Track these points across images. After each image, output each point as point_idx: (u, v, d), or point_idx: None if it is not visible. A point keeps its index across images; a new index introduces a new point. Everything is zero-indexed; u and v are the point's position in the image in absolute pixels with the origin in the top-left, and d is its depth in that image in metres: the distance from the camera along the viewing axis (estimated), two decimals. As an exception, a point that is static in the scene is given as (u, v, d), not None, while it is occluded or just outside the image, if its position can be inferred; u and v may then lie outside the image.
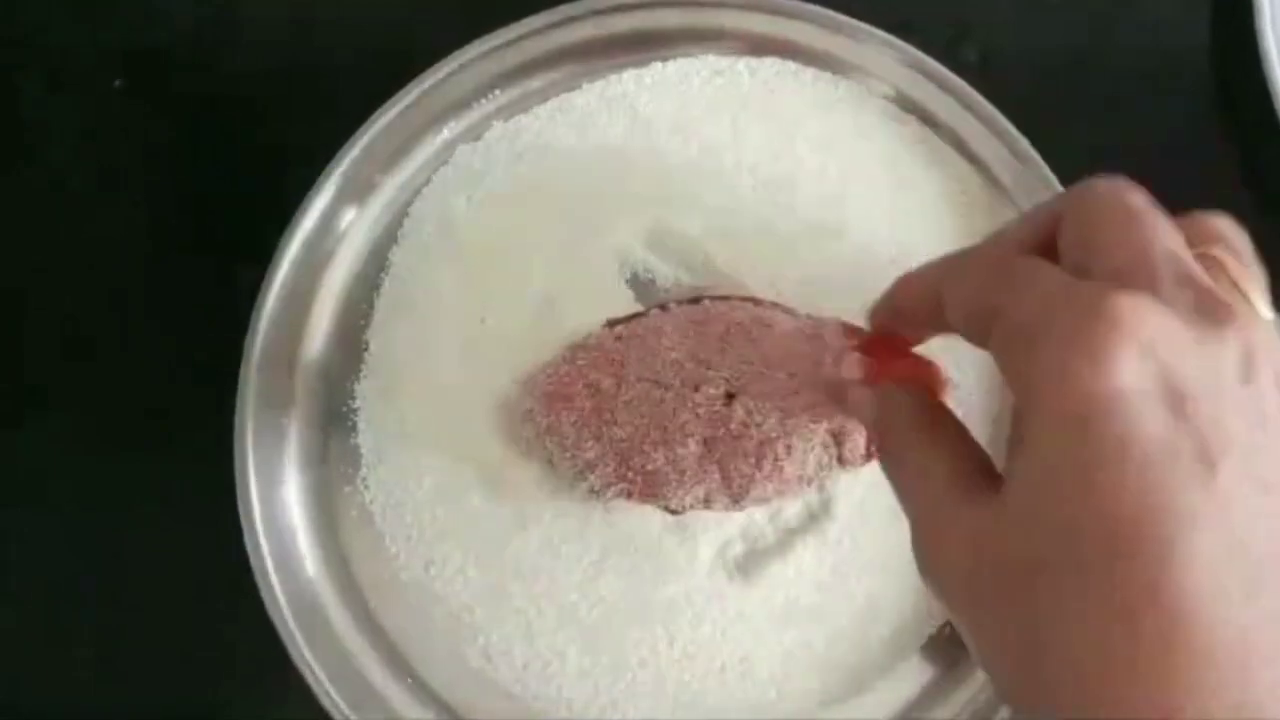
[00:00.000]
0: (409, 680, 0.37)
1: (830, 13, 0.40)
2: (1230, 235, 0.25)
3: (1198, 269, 0.23)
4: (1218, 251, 0.24)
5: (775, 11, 0.40)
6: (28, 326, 0.41)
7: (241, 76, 0.42)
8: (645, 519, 0.37)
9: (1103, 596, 0.20)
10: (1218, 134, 0.42)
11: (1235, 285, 0.24)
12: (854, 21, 0.40)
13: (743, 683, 0.37)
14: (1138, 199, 0.24)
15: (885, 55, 0.40)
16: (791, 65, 0.41)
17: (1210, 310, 0.22)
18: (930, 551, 0.24)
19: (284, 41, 0.43)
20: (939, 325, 0.26)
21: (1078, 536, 0.20)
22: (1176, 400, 0.21)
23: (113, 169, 0.42)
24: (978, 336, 0.24)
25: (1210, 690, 0.19)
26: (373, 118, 0.39)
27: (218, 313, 0.38)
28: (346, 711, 0.35)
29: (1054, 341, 0.21)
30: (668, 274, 0.39)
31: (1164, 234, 0.24)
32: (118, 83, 0.42)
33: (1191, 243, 0.24)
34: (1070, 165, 0.38)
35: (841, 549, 0.37)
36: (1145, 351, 0.21)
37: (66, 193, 0.42)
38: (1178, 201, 0.44)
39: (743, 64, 0.41)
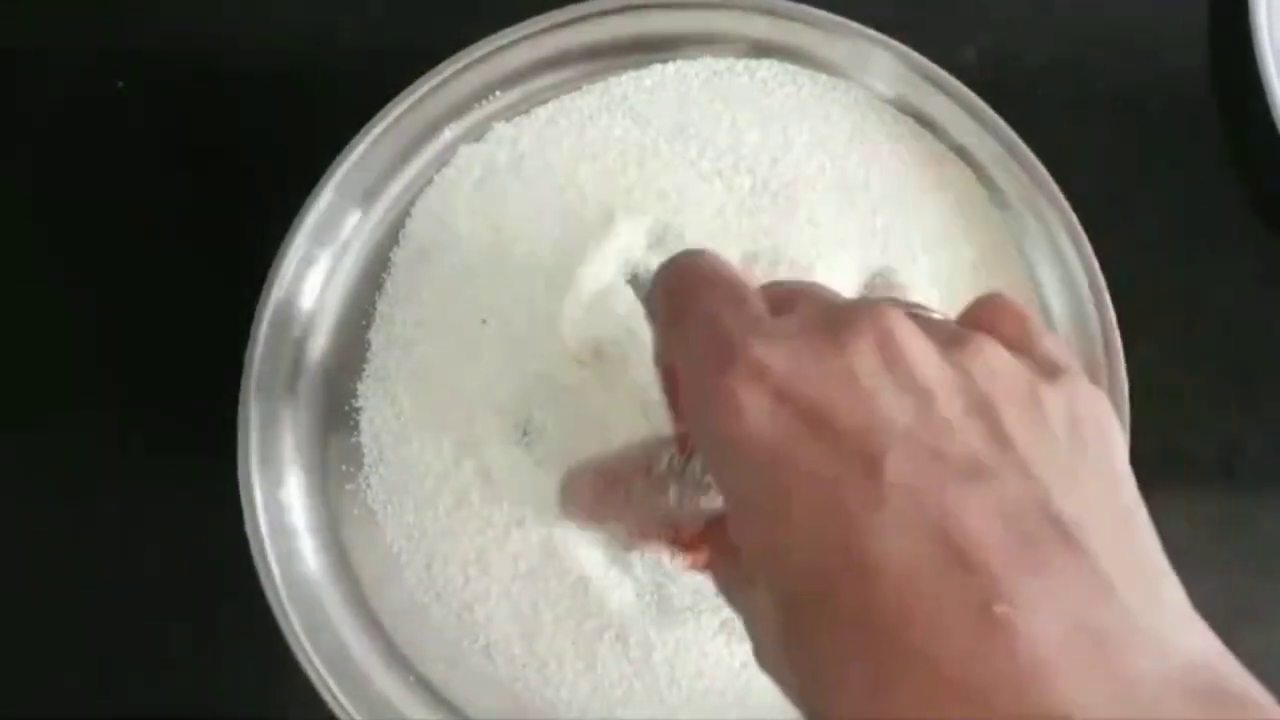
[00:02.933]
0: (411, 678, 0.37)
1: (829, 15, 0.40)
2: None
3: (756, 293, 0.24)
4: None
5: (774, 14, 0.40)
6: (26, 328, 0.41)
7: (242, 77, 0.42)
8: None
9: (835, 638, 0.19)
10: (1218, 134, 0.42)
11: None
12: (852, 23, 0.40)
13: (753, 683, 0.37)
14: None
15: (884, 57, 0.40)
16: (790, 67, 0.41)
17: (823, 326, 0.22)
18: (725, 591, 0.25)
19: (285, 42, 0.43)
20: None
21: (788, 581, 0.20)
22: (816, 423, 0.20)
23: (113, 169, 0.42)
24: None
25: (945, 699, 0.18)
26: (375, 119, 0.39)
27: (218, 313, 0.38)
28: (349, 710, 0.36)
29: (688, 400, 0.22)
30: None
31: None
32: (119, 84, 0.42)
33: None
34: (1070, 165, 0.38)
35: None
36: (766, 390, 0.21)
37: (66, 193, 0.42)
38: (1178, 201, 0.44)
39: (742, 66, 0.41)
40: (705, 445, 0.22)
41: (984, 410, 0.21)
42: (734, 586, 0.26)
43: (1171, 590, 0.20)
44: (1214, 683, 0.19)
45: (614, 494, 0.29)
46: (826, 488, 0.20)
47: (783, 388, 0.21)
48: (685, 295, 0.24)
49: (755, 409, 0.21)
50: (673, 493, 0.28)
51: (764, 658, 0.23)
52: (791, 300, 0.24)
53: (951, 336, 0.22)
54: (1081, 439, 0.21)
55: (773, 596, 0.21)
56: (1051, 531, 0.19)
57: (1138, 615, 0.19)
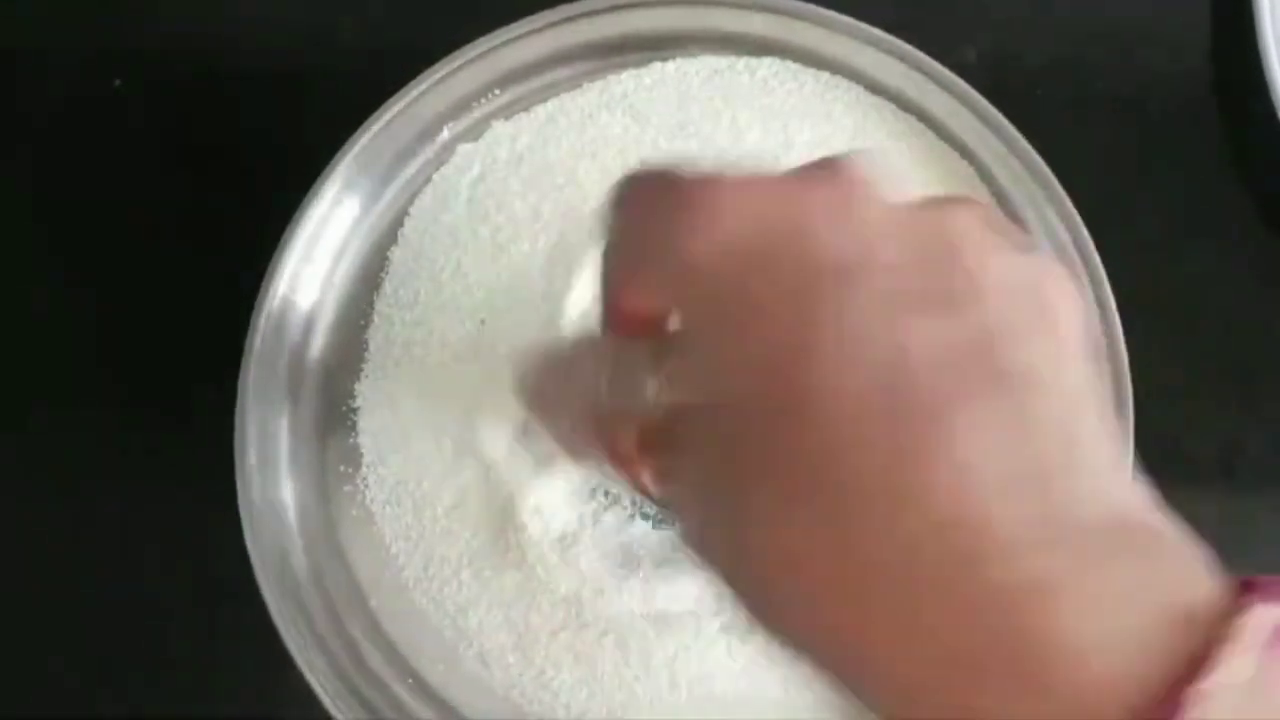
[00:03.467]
0: (409, 680, 0.37)
1: (830, 13, 0.40)
2: None
3: None
4: None
5: (775, 12, 0.40)
6: (26, 327, 0.41)
7: (241, 77, 0.42)
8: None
9: (767, 484, 0.20)
10: (1218, 134, 0.42)
11: None
12: (853, 21, 0.40)
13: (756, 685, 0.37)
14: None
15: (885, 55, 0.40)
16: (791, 65, 0.41)
17: (788, 174, 0.22)
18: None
19: (284, 42, 0.43)
20: None
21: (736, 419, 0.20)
22: (771, 255, 0.20)
23: (112, 169, 0.42)
24: None
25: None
26: (373, 118, 0.38)
27: (218, 313, 0.38)
28: (347, 711, 0.35)
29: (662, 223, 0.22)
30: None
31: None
32: (117, 82, 0.42)
33: None
34: (1070, 165, 0.38)
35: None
36: (722, 218, 0.21)
37: (64, 192, 0.42)
38: (1178, 201, 0.44)
39: (742, 64, 0.41)
40: (659, 279, 0.22)
41: (947, 255, 0.20)
42: (668, 477, 0.25)
43: (1108, 449, 0.20)
44: (1138, 521, 0.19)
45: (557, 377, 0.28)
46: (773, 321, 0.20)
47: (739, 218, 0.21)
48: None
49: (711, 236, 0.21)
50: (604, 381, 0.27)
51: (691, 536, 0.23)
52: None
53: (924, 199, 0.22)
54: (1041, 305, 0.21)
55: (705, 455, 0.21)
56: (992, 373, 0.19)
57: (1068, 463, 0.19)
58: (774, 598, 0.20)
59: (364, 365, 0.39)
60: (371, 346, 0.39)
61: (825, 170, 0.22)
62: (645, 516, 0.37)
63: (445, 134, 0.40)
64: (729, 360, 0.20)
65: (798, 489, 0.19)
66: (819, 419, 0.19)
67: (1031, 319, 0.20)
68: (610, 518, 0.37)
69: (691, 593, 0.37)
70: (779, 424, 0.19)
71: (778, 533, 0.20)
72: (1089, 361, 0.21)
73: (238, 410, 0.37)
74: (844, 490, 0.19)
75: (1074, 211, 0.38)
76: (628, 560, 0.37)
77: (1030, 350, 0.20)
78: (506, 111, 0.41)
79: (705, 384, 0.21)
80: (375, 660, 0.37)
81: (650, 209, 0.23)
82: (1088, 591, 0.18)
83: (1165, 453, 0.37)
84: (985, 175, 0.40)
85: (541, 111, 0.40)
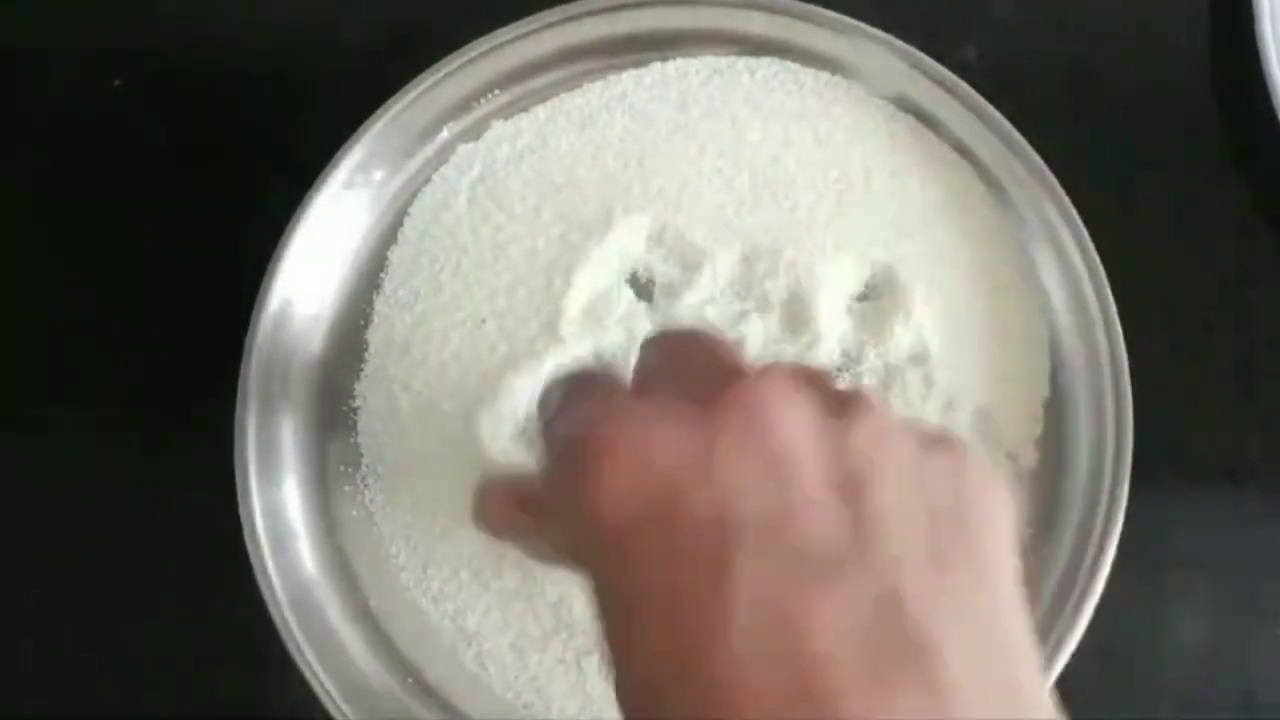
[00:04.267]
0: (409, 680, 0.37)
1: (830, 13, 0.40)
2: None
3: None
4: None
5: (775, 11, 0.40)
6: (25, 326, 0.41)
7: (241, 77, 0.42)
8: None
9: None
10: (1218, 134, 0.42)
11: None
12: (853, 21, 0.40)
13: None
14: None
15: (885, 55, 0.40)
16: (791, 65, 0.41)
17: (692, 402, 0.21)
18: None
19: (284, 42, 0.43)
20: None
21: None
22: (666, 513, 0.19)
23: (111, 169, 0.42)
24: None
25: None
26: (372, 117, 0.39)
27: (218, 313, 0.38)
28: (347, 711, 0.35)
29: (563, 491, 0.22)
30: (668, 274, 0.39)
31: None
32: (117, 82, 0.42)
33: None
34: (1070, 165, 0.38)
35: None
36: (618, 470, 0.20)
37: (64, 192, 0.42)
38: (1178, 202, 0.44)
39: (742, 64, 0.41)
40: (562, 526, 0.22)
41: (855, 490, 0.20)
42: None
43: (1031, 687, 0.19)
44: None
45: (521, 519, 0.28)
46: (672, 597, 0.19)
47: (635, 469, 0.20)
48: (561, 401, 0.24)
49: (606, 490, 0.20)
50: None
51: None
52: (672, 372, 0.23)
53: (840, 400, 0.21)
54: (960, 519, 0.20)
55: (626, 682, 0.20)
56: (903, 644, 0.18)
57: None
58: None
59: (364, 365, 0.39)
60: (372, 346, 0.39)
61: (728, 395, 0.20)
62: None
63: (445, 134, 0.40)
64: (633, 619, 0.20)
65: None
66: (727, 706, 0.18)
67: (950, 543, 0.19)
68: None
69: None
70: (688, 694, 0.18)
71: None
72: (1009, 559, 0.20)
73: (238, 410, 0.37)
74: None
75: (1074, 211, 0.38)
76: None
77: (951, 582, 0.19)
78: (506, 111, 0.41)
79: (616, 633, 0.20)
80: (375, 660, 0.37)
81: (557, 439, 0.23)
82: None
83: (1165, 454, 0.37)
84: (985, 175, 0.40)
85: (541, 111, 0.40)
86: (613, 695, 0.20)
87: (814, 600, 0.18)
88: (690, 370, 0.23)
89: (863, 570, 0.19)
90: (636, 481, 0.20)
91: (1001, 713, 0.18)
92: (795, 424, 0.20)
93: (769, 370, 0.21)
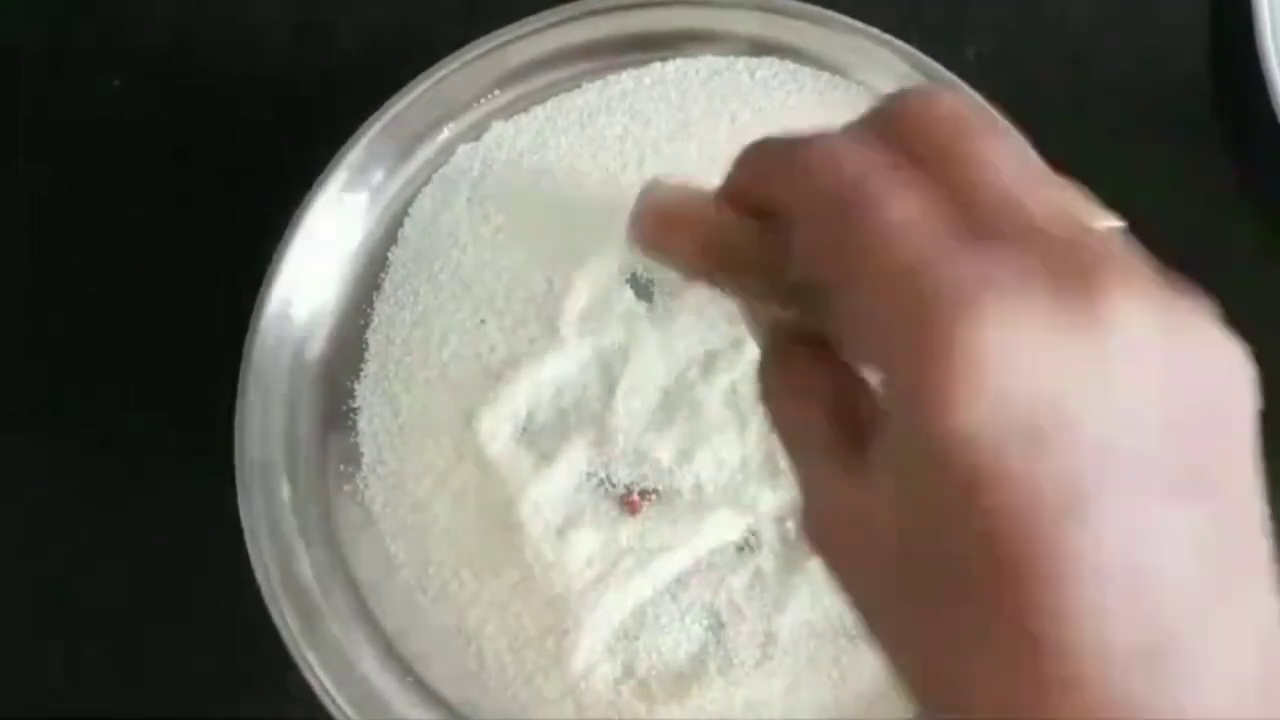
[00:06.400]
0: (409, 680, 0.37)
1: (829, 13, 0.40)
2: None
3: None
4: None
5: (775, 12, 0.40)
6: (25, 326, 0.41)
7: (241, 77, 0.42)
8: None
9: (994, 629, 0.18)
10: (1218, 134, 0.42)
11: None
12: (853, 21, 0.40)
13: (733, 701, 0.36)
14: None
15: (885, 55, 0.40)
16: (790, 65, 0.41)
17: (1073, 288, 0.18)
18: (818, 527, 0.21)
19: (284, 42, 0.43)
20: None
21: (950, 558, 0.18)
22: (1035, 437, 0.17)
23: (111, 169, 0.42)
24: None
25: None
26: (372, 118, 0.39)
27: (218, 313, 0.39)
28: (347, 711, 0.36)
29: (901, 363, 0.18)
30: (668, 274, 0.39)
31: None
32: (116, 82, 0.42)
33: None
34: (1070, 165, 0.38)
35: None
36: (1003, 385, 0.17)
37: (64, 192, 0.42)
38: (1177, 202, 0.44)
39: (742, 64, 0.41)
40: (898, 404, 0.19)
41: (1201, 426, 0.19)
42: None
43: None
44: None
45: (675, 237, 0.25)
46: (1026, 501, 0.17)
47: (1010, 380, 0.17)
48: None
49: (984, 407, 0.17)
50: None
51: (811, 531, 0.21)
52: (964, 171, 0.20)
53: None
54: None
55: (919, 549, 0.19)
56: (1243, 561, 0.18)
57: None
58: (911, 656, 0.20)
59: (364, 365, 0.39)
60: (372, 347, 0.39)
61: (1113, 277, 0.19)
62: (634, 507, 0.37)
63: (445, 134, 0.40)
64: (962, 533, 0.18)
65: (1007, 637, 0.18)
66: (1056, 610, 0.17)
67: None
68: (606, 517, 0.37)
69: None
70: (1002, 588, 0.18)
71: (958, 645, 0.18)
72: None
73: (238, 410, 0.37)
74: (1062, 657, 0.17)
75: (1074, 211, 0.38)
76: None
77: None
78: (506, 111, 0.40)
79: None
80: (375, 660, 0.37)
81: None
82: None
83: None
84: (985, 175, 0.40)
85: (541, 112, 0.40)
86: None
87: (1156, 525, 0.18)
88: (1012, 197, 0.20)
89: (1201, 499, 0.18)
90: (1000, 401, 0.17)
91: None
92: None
93: (1131, 269, 0.19)
